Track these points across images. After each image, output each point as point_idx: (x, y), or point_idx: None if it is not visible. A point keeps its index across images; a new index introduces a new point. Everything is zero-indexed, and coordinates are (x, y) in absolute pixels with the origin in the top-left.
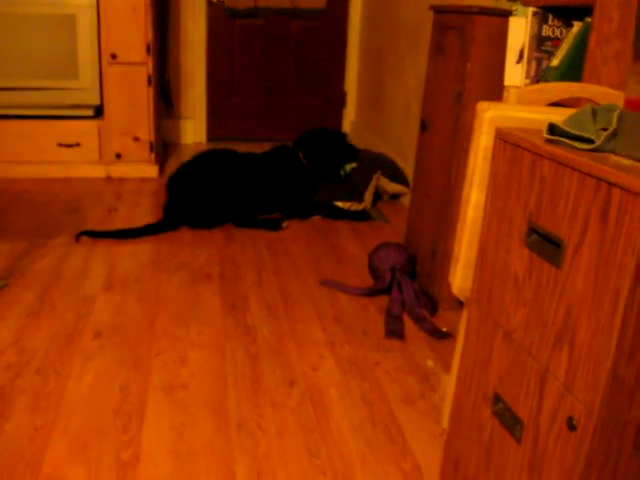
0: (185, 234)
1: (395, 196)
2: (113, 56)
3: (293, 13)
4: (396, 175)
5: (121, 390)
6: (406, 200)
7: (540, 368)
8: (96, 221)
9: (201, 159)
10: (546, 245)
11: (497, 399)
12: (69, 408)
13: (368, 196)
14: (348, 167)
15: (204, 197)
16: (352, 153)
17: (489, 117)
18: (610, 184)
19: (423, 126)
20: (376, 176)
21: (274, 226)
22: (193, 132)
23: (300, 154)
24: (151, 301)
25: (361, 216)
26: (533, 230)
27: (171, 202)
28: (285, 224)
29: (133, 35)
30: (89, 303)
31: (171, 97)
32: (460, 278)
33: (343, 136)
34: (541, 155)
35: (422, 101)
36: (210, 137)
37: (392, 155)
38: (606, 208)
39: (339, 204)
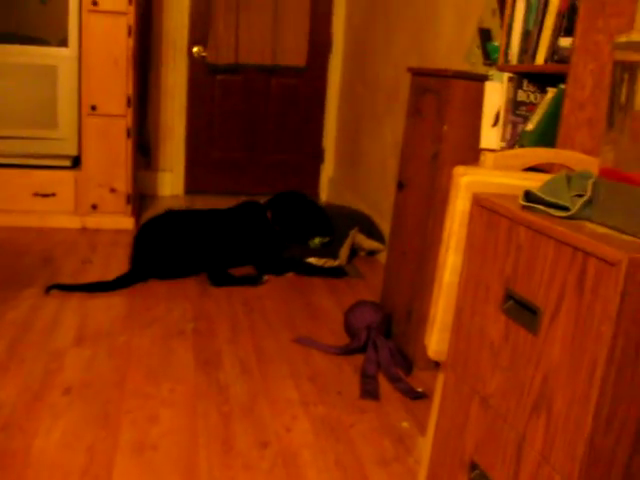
0: (159, 288)
1: (371, 253)
2: (93, 107)
3: (273, 70)
4: (372, 231)
5: (88, 450)
6: (382, 257)
7: (517, 436)
8: (70, 272)
9: (165, 216)
10: (523, 311)
11: (473, 466)
12: (35, 468)
13: (344, 252)
14: (318, 240)
15: (167, 247)
16: (325, 227)
17: (466, 182)
18: (586, 253)
19: (400, 185)
20: (353, 232)
21: (254, 281)
22: (171, 184)
23: (268, 213)
24: (123, 356)
25: (336, 272)
26: (509, 296)
27: (137, 254)
28: (265, 278)
29: (114, 87)
30: (59, 357)
31: (149, 149)
32: (436, 341)
33: (316, 206)
34: (517, 222)
35: (399, 160)
36: (188, 190)
37: (369, 212)
38: (582, 277)
39: (312, 261)
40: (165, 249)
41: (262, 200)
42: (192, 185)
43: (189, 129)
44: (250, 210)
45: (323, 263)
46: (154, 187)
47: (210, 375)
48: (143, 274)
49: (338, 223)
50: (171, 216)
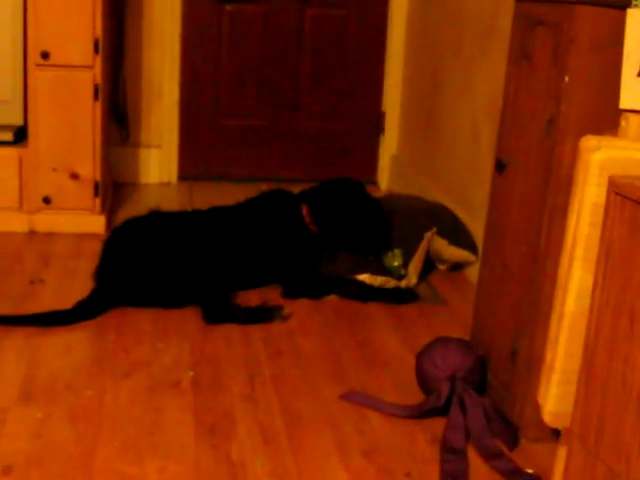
0: (143, 320)
1: (456, 266)
2: (44, 55)
3: None
4: (458, 235)
5: None
6: (473, 273)
7: None
8: (12, 297)
9: (148, 218)
10: None
11: None
12: None
13: (415, 266)
14: (398, 253)
15: (151, 261)
16: (384, 239)
17: (599, 160)
18: None
19: (499, 166)
20: (428, 236)
21: (268, 316)
22: (159, 167)
23: (303, 209)
24: (89, 421)
25: (404, 296)
26: None
27: (107, 269)
28: (286, 312)
29: (75, 26)
30: None
31: (127, 117)
32: (554, 399)
33: (375, 201)
34: None
35: (498, 129)
36: (183, 175)
37: (453, 206)
38: None
39: (366, 279)
40: (148, 264)
41: (294, 190)
42: (190, 168)
43: (185, 86)
44: (275, 205)
45: (383, 282)
46: (134, 171)
47: (217, 448)
48: (117, 299)
49: (406, 223)
50: (157, 219)
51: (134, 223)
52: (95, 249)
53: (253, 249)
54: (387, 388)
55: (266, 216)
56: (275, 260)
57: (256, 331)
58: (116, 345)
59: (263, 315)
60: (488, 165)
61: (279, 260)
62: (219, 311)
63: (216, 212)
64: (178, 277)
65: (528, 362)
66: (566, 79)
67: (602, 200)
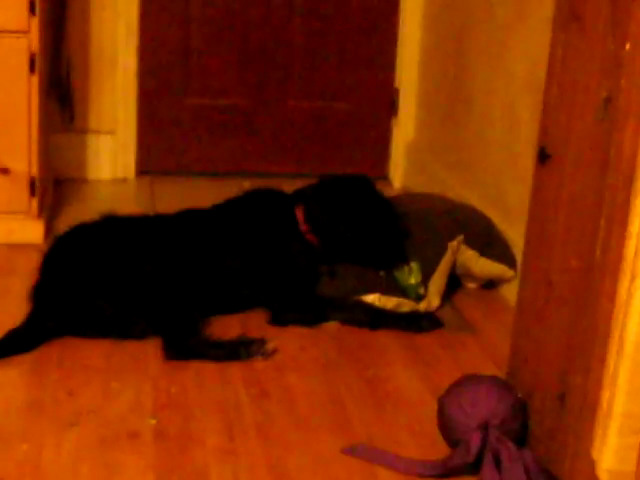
0: (92, 354)
1: (489, 284)
2: None
3: None
4: (491, 244)
5: None
6: (510, 292)
7: None
8: None
9: (101, 225)
10: None
11: None
12: None
13: (436, 284)
14: (416, 267)
15: (103, 280)
16: (398, 250)
17: None
18: None
19: (543, 156)
20: (453, 245)
21: (245, 352)
22: (112, 159)
23: (298, 212)
24: None
25: (422, 323)
26: None
27: (47, 291)
28: (270, 346)
29: None
30: None
31: (72, 95)
32: (613, 453)
33: (388, 203)
34: None
35: (541, 111)
36: (143, 169)
37: (484, 207)
38: None
39: (374, 300)
40: (99, 283)
41: (286, 189)
42: (151, 160)
43: (145, 56)
44: (261, 207)
45: (396, 305)
46: (81, 165)
47: None
48: (59, 327)
49: (425, 229)
50: (110, 226)
51: (81, 231)
52: (32, 263)
53: (233, 264)
54: (402, 439)
55: (250, 222)
56: (261, 277)
57: (235, 368)
58: (58, 385)
59: (239, 350)
60: (528, 155)
61: (266, 277)
62: (184, 344)
63: (186, 217)
64: (136, 300)
65: (580, 405)
66: (627, 47)
67: None
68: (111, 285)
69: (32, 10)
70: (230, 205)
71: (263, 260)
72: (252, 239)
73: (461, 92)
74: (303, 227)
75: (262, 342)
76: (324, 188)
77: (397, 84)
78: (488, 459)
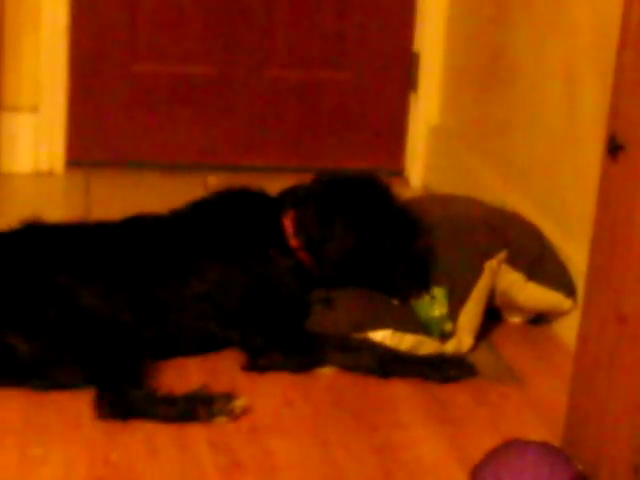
0: (7, 409)
1: (539, 318)
2: None
3: None
4: (542, 265)
5: None
6: (567, 329)
7: None
8: None
9: (21, 235)
10: None
11: None
12: None
13: (469, 317)
14: (442, 295)
15: (18, 312)
16: (420, 273)
17: None
18: None
19: (613, 147)
20: (492, 265)
21: (205, 410)
22: (33, 146)
23: (286, 221)
24: None
25: (449, 369)
26: None
27: None
28: (238, 404)
29: None
30: None
31: None
32: None
33: (409, 219)
34: None
35: (611, 89)
36: (75, 159)
37: (533, 215)
38: None
39: (385, 338)
40: (15, 317)
41: (268, 189)
42: (86, 148)
43: (79, 9)
44: (237, 214)
45: (414, 345)
46: None
47: None
48: None
49: (453, 244)
50: (34, 238)
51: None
52: None
53: (196, 290)
54: None
55: (221, 233)
56: (233, 308)
57: (199, 428)
58: None
59: (197, 409)
60: (593, 146)
61: (241, 307)
62: (122, 398)
63: (134, 226)
64: (64, 338)
65: None
66: None
67: None
68: (32, 318)
69: None
70: (194, 210)
71: (237, 284)
72: (223, 256)
73: (502, 58)
74: (293, 241)
75: (228, 398)
76: (322, 189)
77: (416, 47)
78: None
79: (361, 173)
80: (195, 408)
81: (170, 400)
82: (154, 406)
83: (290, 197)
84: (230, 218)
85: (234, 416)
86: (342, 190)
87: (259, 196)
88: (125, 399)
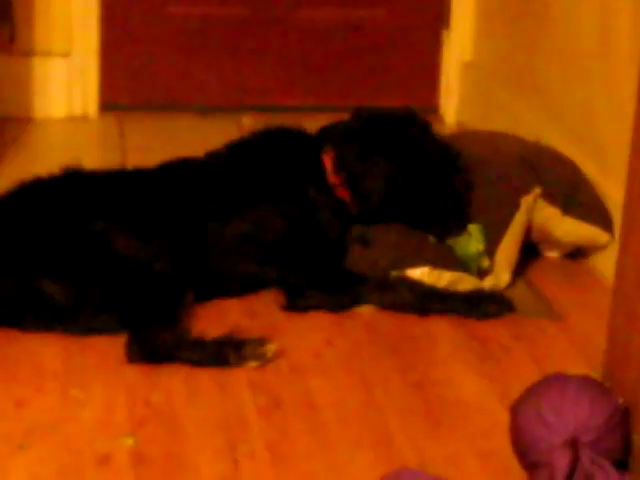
0: (45, 352)
1: (576, 252)
2: None
3: None
4: (579, 200)
5: None
6: (605, 262)
7: None
8: None
9: (61, 182)
10: None
11: None
12: None
13: (506, 253)
14: (477, 231)
15: (52, 256)
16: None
17: None
18: None
19: None
20: (528, 201)
21: (235, 355)
22: (67, 91)
23: (326, 159)
24: None
25: (487, 305)
26: None
27: None
28: (269, 348)
29: None
30: None
31: (11, 5)
32: None
33: (450, 156)
34: None
35: None
36: (108, 103)
37: (570, 150)
38: None
39: (423, 275)
40: (50, 260)
41: (306, 127)
42: (121, 91)
43: None
44: (276, 152)
45: (452, 281)
46: (26, 99)
47: None
48: None
49: (489, 180)
50: (73, 184)
51: (35, 190)
52: None
53: (236, 230)
54: (463, 460)
55: (260, 172)
56: (273, 247)
57: (239, 369)
58: (3, 396)
59: (227, 353)
60: (629, 80)
61: (280, 247)
62: (151, 341)
63: (174, 171)
64: (98, 285)
65: None
66: None
67: None
68: (66, 262)
69: None
70: (233, 151)
71: (277, 223)
72: (263, 195)
73: None
74: (332, 178)
75: (259, 342)
76: (361, 125)
77: None
78: None
79: (400, 109)
80: (225, 352)
81: (200, 344)
82: (184, 350)
83: (329, 134)
84: (269, 157)
85: (265, 360)
86: (382, 126)
87: (298, 134)
88: (154, 343)
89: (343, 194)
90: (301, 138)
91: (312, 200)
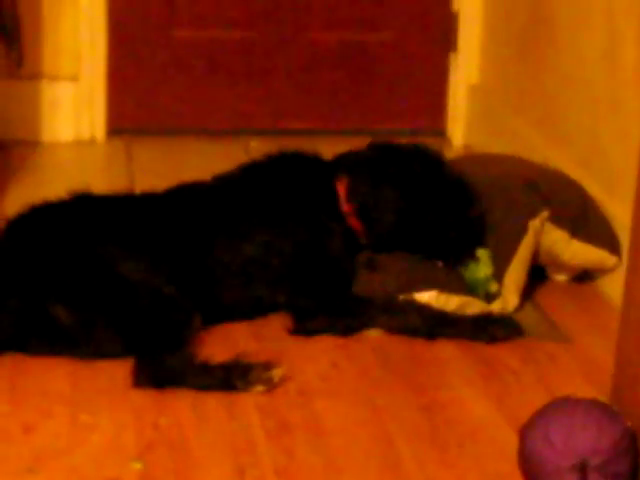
0: (55, 376)
1: (584, 275)
2: None
3: None
4: (587, 223)
5: None
6: (612, 285)
7: None
8: None
9: (71, 206)
10: None
11: None
12: None
13: (514, 277)
14: (485, 255)
15: (62, 282)
16: (471, 239)
17: None
18: None
19: None
20: (535, 225)
21: (241, 380)
22: (74, 115)
23: (339, 185)
24: None
25: (495, 329)
26: None
27: None
28: (276, 373)
29: None
30: None
31: (19, 29)
32: None
33: (463, 187)
34: None
35: None
36: (116, 127)
37: (576, 172)
38: None
39: (432, 299)
40: (60, 286)
41: (317, 149)
42: (128, 116)
43: None
44: (289, 177)
45: (461, 305)
46: (34, 123)
47: None
48: (8, 341)
49: (496, 204)
50: (82, 208)
51: (44, 214)
52: None
53: (245, 254)
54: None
55: (271, 197)
56: (282, 271)
57: (247, 393)
58: (11, 420)
59: (234, 377)
60: (636, 103)
61: (289, 271)
62: (159, 365)
63: (183, 195)
64: (104, 309)
65: None
66: None
67: None
68: (76, 287)
69: None
70: (245, 174)
71: (287, 248)
72: (274, 219)
73: (541, 16)
74: (344, 207)
75: (265, 367)
76: (376, 155)
77: (456, 7)
78: None
79: (413, 143)
80: (232, 377)
81: (207, 369)
82: (190, 375)
83: (344, 162)
84: (282, 181)
85: (272, 385)
86: (396, 157)
87: (312, 160)
88: (162, 368)
89: (354, 223)
90: (316, 164)
91: (323, 226)
